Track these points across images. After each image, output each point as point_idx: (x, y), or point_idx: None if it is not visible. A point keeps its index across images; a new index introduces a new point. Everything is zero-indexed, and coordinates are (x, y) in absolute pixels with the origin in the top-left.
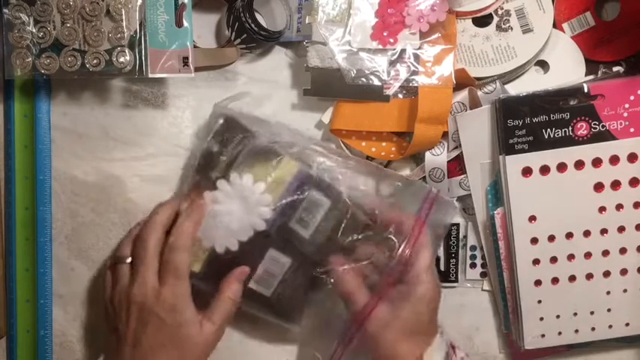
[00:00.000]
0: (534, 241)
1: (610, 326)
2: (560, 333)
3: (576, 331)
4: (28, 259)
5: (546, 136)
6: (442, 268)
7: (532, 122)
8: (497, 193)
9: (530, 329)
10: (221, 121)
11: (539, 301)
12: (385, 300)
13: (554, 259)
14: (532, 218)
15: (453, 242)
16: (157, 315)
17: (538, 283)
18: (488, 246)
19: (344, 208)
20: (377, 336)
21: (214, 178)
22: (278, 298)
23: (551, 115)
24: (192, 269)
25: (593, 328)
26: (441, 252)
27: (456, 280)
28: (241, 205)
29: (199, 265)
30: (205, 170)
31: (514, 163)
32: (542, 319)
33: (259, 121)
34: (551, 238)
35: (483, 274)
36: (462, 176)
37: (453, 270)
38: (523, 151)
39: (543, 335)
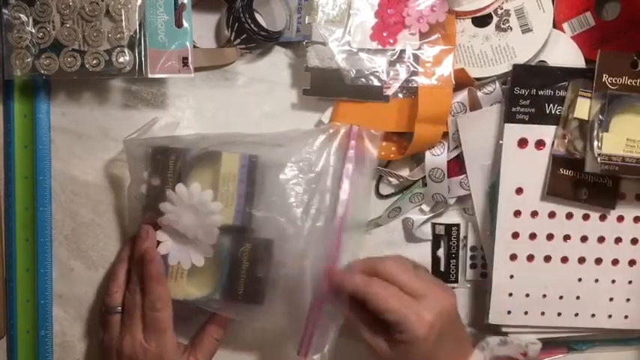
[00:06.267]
0: (517, 213)
1: (576, 314)
2: (526, 313)
3: (542, 313)
4: (28, 259)
5: (548, 111)
6: (442, 268)
7: (537, 94)
8: (497, 194)
9: (498, 304)
10: (149, 154)
11: (512, 276)
12: None
13: (533, 236)
14: (519, 190)
15: (453, 242)
16: None
17: (514, 257)
18: (488, 246)
19: None
20: None
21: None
22: None
23: (557, 92)
24: (204, 294)
25: (559, 314)
26: (441, 252)
27: (456, 281)
28: (194, 214)
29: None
30: (155, 205)
31: (512, 132)
32: (511, 294)
33: (177, 139)
34: (534, 214)
35: (484, 275)
36: (462, 176)
37: (453, 270)
38: (523, 121)
39: (509, 312)
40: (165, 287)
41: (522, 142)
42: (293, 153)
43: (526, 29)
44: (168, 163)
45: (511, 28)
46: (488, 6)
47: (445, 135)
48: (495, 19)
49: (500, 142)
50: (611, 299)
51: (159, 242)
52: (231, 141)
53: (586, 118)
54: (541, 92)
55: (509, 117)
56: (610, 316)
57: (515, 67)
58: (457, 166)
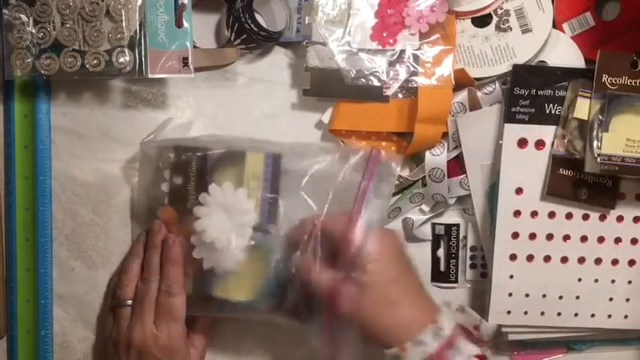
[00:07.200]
0: (517, 213)
1: (576, 314)
2: (526, 312)
3: (542, 313)
4: (28, 259)
5: (547, 111)
6: (442, 268)
7: (537, 94)
8: (496, 194)
9: (497, 303)
10: (171, 154)
11: (511, 276)
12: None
13: (533, 236)
14: (519, 190)
15: (453, 243)
16: (154, 357)
17: (513, 257)
18: (488, 246)
19: None
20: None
21: (190, 207)
22: None
23: (557, 92)
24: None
25: (559, 314)
26: (441, 252)
27: (456, 281)
28: (228, 214)
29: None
30: (179, 203)
31: (512, 132)
32: (510, 294)
33: (195, 140)
34: (534, 214)
35: (483, 275)
36: (462, 176)
37: (452, 270)
38: (523, 121)
39: (509, 312)
40: (182, 273)
41: (522, 142)
42: (312, 164)
43: (526, 29)
44: (190, 163)
45: (511, 29)
46: (488, 6)
47: (445, 135)
48: (495, 19)
49: (500, 142)
50: (610, 299)
51: (193, 246)
52: (250, 146)
53: (586, 118)
54: (541, 92)
55: (509, 117)
56: (610, 315)
57: (515, 67)
58: (457, 166)
